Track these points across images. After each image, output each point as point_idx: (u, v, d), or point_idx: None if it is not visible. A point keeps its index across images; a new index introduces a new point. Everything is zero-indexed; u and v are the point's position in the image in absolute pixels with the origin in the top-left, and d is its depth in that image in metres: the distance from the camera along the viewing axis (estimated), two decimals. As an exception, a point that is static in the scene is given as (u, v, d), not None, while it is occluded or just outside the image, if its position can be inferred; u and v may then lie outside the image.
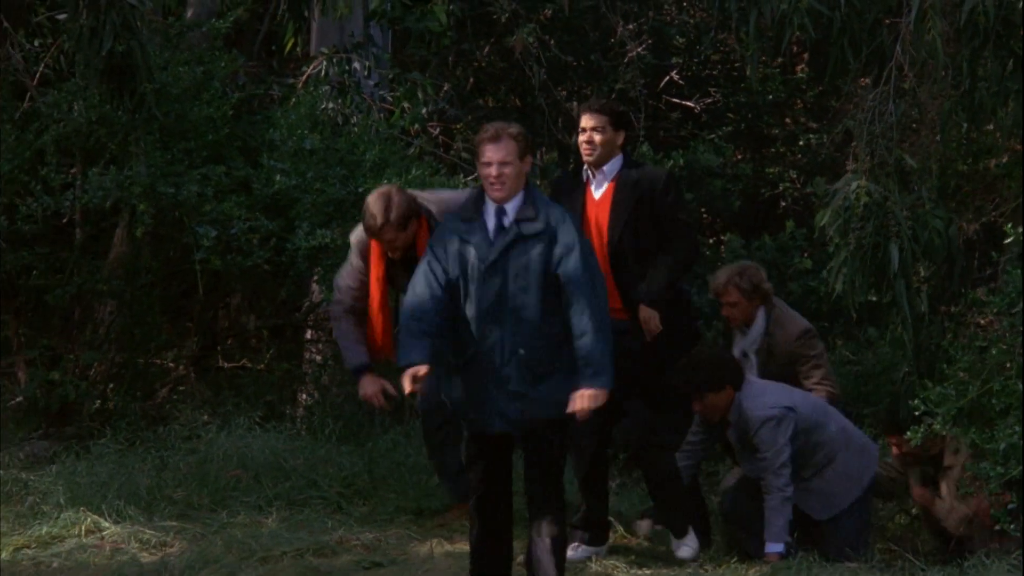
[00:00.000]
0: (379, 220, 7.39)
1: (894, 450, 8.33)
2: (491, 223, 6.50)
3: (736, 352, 8.30)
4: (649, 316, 7.53)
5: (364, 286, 7.63)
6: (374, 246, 7.57)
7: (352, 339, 7.67)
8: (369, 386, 7.58)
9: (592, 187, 7.71)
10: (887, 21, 8.56)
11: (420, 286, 6.53)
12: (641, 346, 7.51)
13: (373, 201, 7.47)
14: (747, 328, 8.37)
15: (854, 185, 8.02)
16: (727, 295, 8.36)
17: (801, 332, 8.38)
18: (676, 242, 7.65)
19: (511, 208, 6.48)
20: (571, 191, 7.75)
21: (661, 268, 7.61)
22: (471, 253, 6.48)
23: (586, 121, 7.67)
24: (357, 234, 7.71)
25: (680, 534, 7.81)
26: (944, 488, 8.17)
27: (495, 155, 6.46)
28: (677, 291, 7.79)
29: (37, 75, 9.89)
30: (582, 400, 6.38)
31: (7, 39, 9.84)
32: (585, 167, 7.74)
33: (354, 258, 7.69)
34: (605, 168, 7.67)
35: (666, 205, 7.65)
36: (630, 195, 7.61)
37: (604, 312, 6.44)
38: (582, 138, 7.69)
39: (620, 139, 7.71)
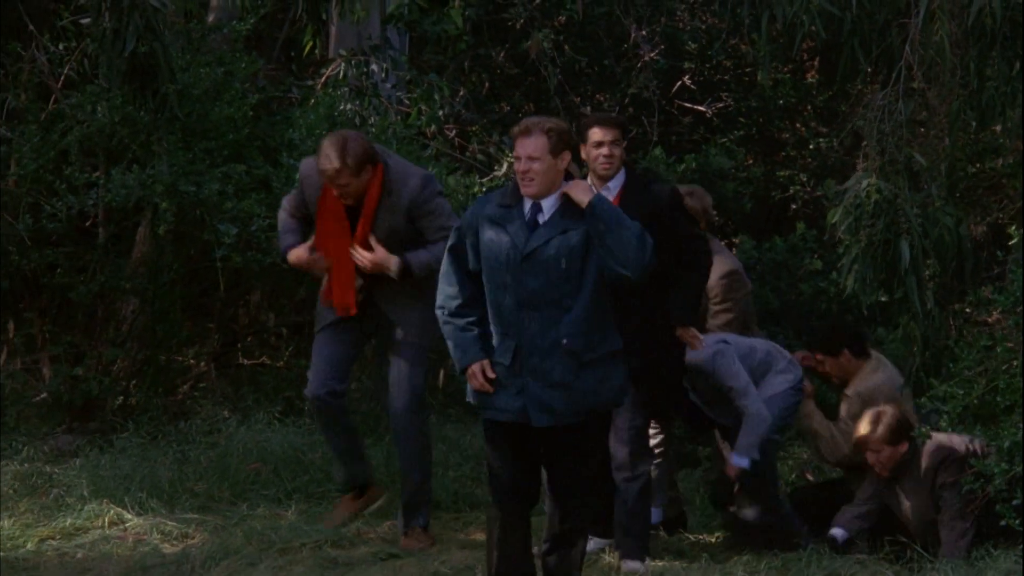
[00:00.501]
0: (335, 163, 7.18)
1: (810, 364, 8.32)
2: (528, 212, 6.25)
3: None
4: (691, 337, 7.41)
5: (302, 214, 7.61)
6: (327, 191, 7.41)
7: (288, 229, 7.68)
8: (294, 254, 7.55)
9: None
10: (896, 22, 8.54)
11: (452, 278, 6.37)
12: (643, 364, 7.16)
13: (328, 143, 7.26)
14: None
15: (864, 183, 7.98)
16: None
17: (727, 272, 8.29)
18: (694, 257, 7.41)
19: (547, 206, 6.24)
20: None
21: (688, 287, 7.40)
22: (507, 241, 6.22)
23: (603, 135, 7.31)
24: (307, 166, 7.59)
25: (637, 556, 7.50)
26: (843, 409, 8.33)
27: (524, 150, 6.22)
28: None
29: (62, 78, 9.89)
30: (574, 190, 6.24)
31: (32, 42, 9.86)
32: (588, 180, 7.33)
33: (296, 192, 7.71)
34: (611, 184, 7.33)
35: (678, 223, 7.35)
36: (636, 213, 6.97)
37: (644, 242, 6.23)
38: (600, 152, 7.30)
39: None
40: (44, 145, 9.47)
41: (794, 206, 14.45)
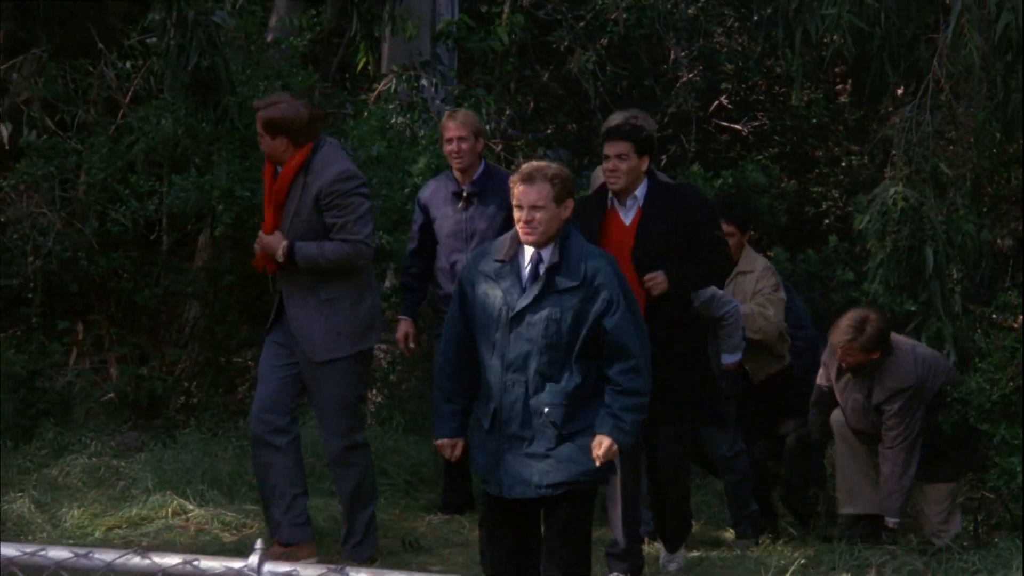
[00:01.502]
0: (257, 103, 6.85)
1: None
2: (526, 268, 5.62)
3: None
4: (658, 280, 6.69)
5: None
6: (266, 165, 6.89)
7: None
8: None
9: (620, 213, 6.84)
10: (924, 37, 8.54)
11: (449, 336, 5.81)
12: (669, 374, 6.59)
13: (279, 94, 6.99)
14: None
15: (891, 191, 7.99)
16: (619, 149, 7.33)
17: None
18: (716, 257, 6.91)
19: (547, 255, 5.59)
20: (590, 214, 6.77)
21: (696, 265, 6.84)
22: (499, 298, 5.61)
23: (609, 148, 6.79)
24: None
25: (673, 549, 7.22)
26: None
27: (526, 198, 5.55)
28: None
29: (129, 93, 10.00)
30: (599, 447, 5.55)
31: (102, 60, 9.97)
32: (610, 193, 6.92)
33: None
34: (637, 193, 6.81)
35: (706, 227, 6.85)
36: (659, 223, 6.75)
37: (647, 371, 5.62)
38: (606, 166, 6.79)
39: (644, 165, 6.80)
40: (112, 156, 9.57)
41: (827, 221, 14.42)
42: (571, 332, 5.53)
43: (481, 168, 7.80)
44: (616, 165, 6.72)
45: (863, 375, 7.57)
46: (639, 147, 6.73)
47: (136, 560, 3.10)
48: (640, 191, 6.80)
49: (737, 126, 14.40)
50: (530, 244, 5.59)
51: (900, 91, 9.91)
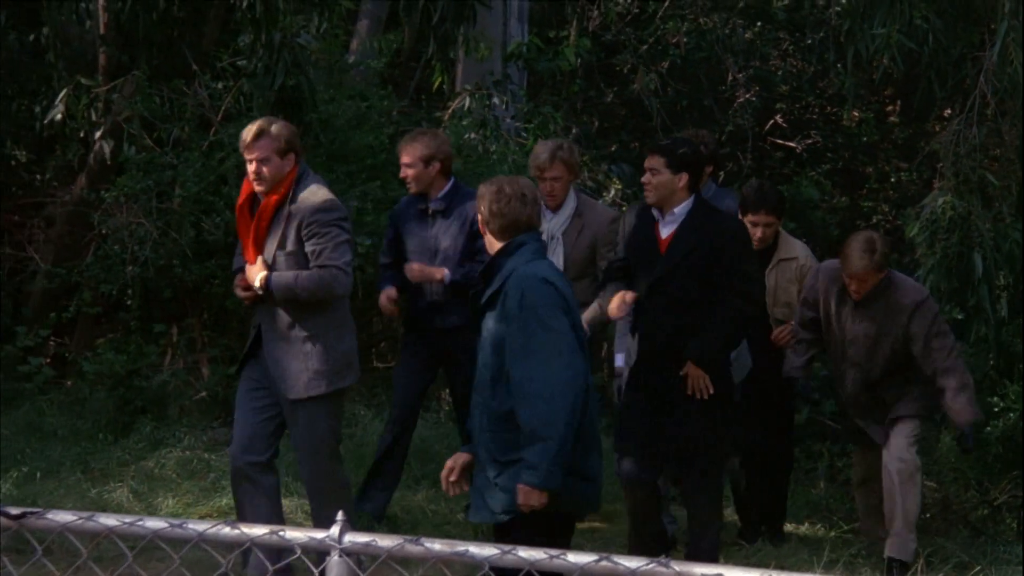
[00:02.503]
0: (253, 129, 6.10)
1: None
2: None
3: (545, 236, 6.94)
4: (697, 376, 6.29)
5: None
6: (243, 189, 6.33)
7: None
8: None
9: (661, 226, 6.48)
10: (971, 55, 8.46)
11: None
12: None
13: (265, 118, 6.29)
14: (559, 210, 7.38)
15: (940, 201, 7.93)
16: (551, 170, 7.28)
17: (613, 219, 7.44)
18: (743, 295, 6.35)
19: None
20: (639, 224, 6.60)
21: (715, 325, 6.32)
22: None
23: (646, 162, 6.50)
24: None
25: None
26: None
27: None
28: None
29: (221, 111, 10.06)
30: (523, 496, 4.85)
31: (195, 81, 10.07)
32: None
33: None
34: (676, 210, 6.41)
35: (740, 259, 6.37)
36: (688, 243, 6.34)
37: (540, 397, 4.80)
38: (644, 179, 6.51)
39: (682, 181, 6.37)
40: (205, 170, 9.64)
41: (877, 234, 14.32)
42: (492, 354, 4.93)
43: (449, 185, 7.32)
44: (648, 179, 6.45)
45: (870, 302, 6.83)
46: (673, 163, 6.37)
47: (227, 530, 3.13)
48: (680, 209, 6.42)
49: (791, 144, 14.33)
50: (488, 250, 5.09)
51: (947, 112, 9.79)
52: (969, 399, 6.79)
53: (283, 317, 6.20)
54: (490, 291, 4.92)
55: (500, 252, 4.95)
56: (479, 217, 5.06)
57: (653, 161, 6.42)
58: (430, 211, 7.34)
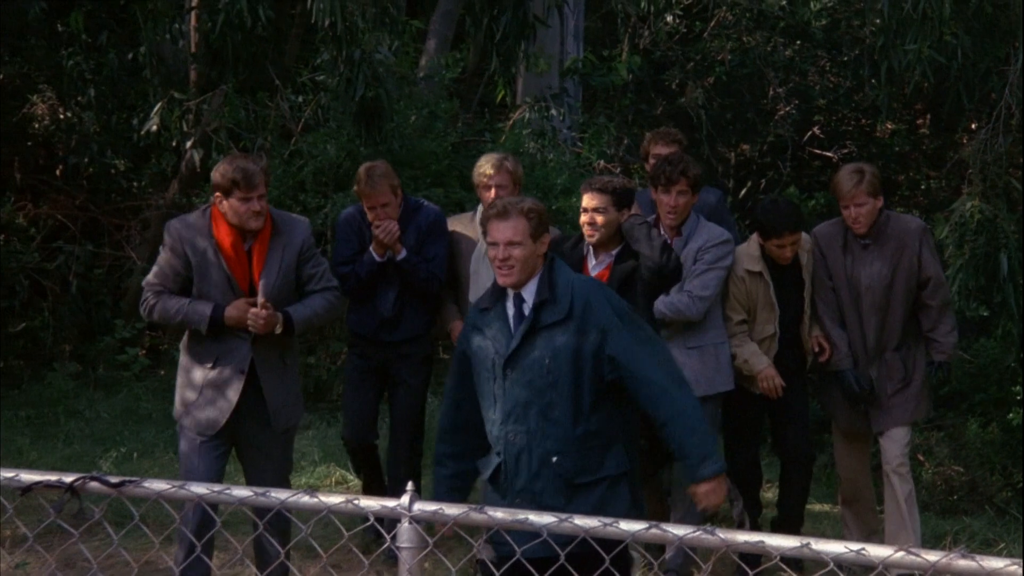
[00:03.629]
0: (250, 165, 5.49)
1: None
2: (511, 311, 4.53)
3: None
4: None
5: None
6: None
7: (180, 303, 5.56)
8: (233, 311, 5.46)
9: (589, 263, 5.76)
10: (997, 69, 8.39)
11: (447, 400, 4.71)
12: None
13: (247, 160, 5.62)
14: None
15: (968, 205, 7.86)
16: (496, 177, 6.46)
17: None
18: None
19: (528, 293, 4.50)
20: (566, 260, 5.42)
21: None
22: (491, 348, 4.50)
23: (587, 201, 5.68)
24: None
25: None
26: None
27: (501, 234, 4.50)
28: None
29: (300, 123, 10.15)
30: (705, 498, 4.40)
31: (277, 94, 10.15)
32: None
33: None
34: (614, 252, 5.70)
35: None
36: (616, 285, 5.51)
37: (679, 386, 4.42)
38: (584, 219, 5.69)
39: (624, 218, 5.68)
40: (285, 176, 9.71)
41: (908, 237, 14.20)
42: (571, 371, 4.42)
43: (406, 202, 6.67)
44: (592, 219, 5.68)
45: (878, 241, 6.16)
46: (617, 201, 5.69)
47: (305, 499, 3.17)
48: (616, 251, 5.74)
49: (828, 153, 14.25)
50: (506, 284, 4.52)
51: (974, 124, 9.71)
52: (955, 339, 6.31)
53: (276, 346, 5.58)
54: (563, 306, 4.46)
55: (548, 268, 4.56)
56: (516, 235, 4.52)
57: (598, 200, 5.64)
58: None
